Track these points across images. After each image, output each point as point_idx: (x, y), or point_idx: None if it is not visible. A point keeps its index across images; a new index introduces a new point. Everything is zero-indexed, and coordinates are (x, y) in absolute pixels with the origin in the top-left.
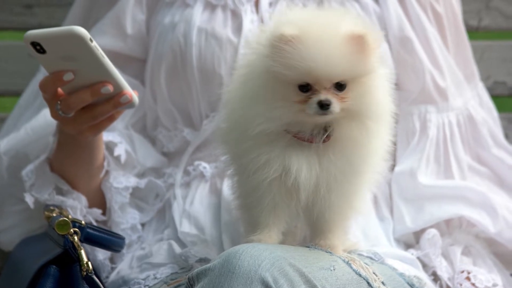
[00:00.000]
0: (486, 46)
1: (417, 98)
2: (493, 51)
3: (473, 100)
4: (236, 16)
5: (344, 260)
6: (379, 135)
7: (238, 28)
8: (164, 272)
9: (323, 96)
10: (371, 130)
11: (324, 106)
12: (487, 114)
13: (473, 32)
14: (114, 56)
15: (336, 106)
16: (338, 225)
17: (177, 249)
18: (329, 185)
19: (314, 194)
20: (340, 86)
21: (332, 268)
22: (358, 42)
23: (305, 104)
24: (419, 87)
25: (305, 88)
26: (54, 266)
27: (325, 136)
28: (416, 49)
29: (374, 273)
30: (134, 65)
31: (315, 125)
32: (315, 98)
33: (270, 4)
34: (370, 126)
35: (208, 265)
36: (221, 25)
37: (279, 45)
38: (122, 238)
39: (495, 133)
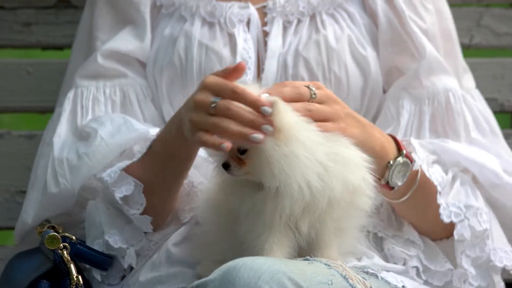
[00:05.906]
0: (477, 63)
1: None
2: (484, 68)
3: (460, 90)
4: (230, 36)
5: (341, 274)
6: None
7: (233, 47)
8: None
9: (224, 158)
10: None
11: (223, 166)
12: (480, 104)
13: (465, 50)
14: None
15: (235, 169)
16: (335, 239)
17: None
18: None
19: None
20: (242, 151)
21: (329, 283)
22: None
23: None
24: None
25: None
26: (45, 281)
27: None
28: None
29: (371, 287)
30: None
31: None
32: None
33: (266, 23)
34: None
35: (208, 277)
36: (220, 41)
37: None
38: (110, 257)
39: (473, 126)
